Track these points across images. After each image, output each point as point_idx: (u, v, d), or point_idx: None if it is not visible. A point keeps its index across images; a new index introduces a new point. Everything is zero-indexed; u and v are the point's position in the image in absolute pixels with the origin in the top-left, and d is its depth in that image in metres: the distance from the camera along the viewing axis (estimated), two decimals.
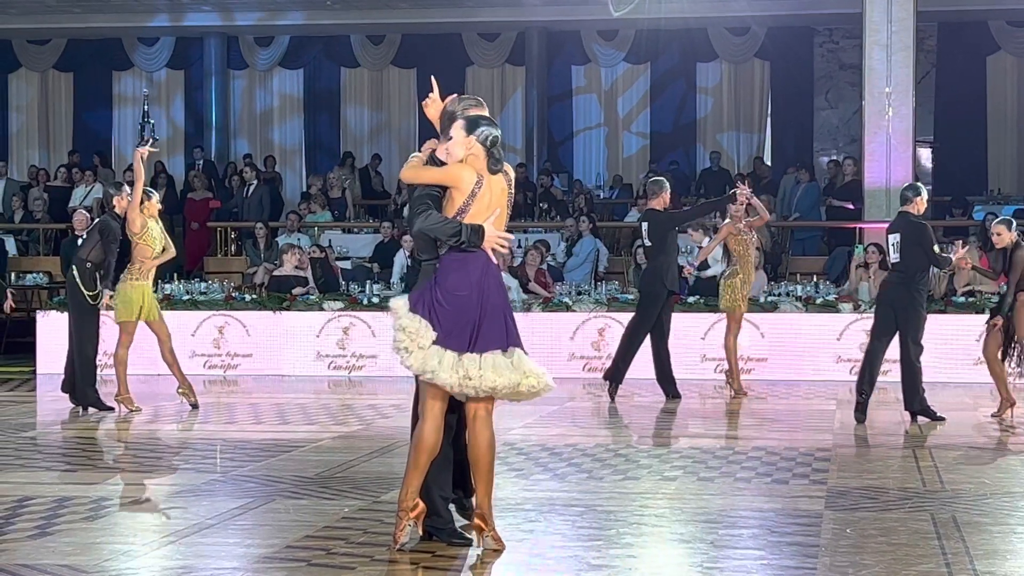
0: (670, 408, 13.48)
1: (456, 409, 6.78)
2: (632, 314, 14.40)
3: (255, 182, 23.37)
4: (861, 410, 12.09)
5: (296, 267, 17.74)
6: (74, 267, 12.92)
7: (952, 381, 14.98)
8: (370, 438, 11.17)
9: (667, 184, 14.07)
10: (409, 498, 6.66)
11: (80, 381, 12.97)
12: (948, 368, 15.30)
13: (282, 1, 25.52)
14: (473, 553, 6.65)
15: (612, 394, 13.87)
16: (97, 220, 13.13)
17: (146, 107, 18.87)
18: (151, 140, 18.74)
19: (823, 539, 7.01)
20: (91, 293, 12.87)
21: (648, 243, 13.85)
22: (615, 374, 13.94)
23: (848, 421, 12.30)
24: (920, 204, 12.25)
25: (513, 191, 6.83)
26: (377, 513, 7.65)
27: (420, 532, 6.81)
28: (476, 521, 6.67)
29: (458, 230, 6.52)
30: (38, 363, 16.67)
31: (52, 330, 16.40)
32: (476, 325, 6.52)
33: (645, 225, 13.91)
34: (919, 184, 12.79)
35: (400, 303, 6.62)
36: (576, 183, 25.56)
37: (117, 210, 12.98)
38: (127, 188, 13.26)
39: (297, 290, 17.34)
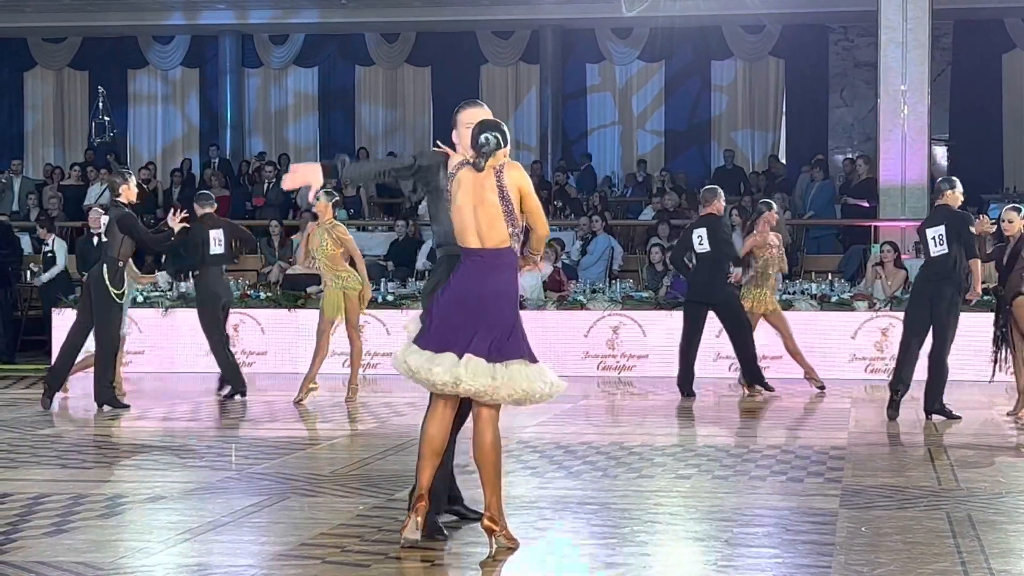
0: (685, 406, 13.47)
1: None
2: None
3: (272, 180, 23.42)
4: (894, 407, 12.05)
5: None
6: (105, 266, 12.78)
7: (967, 380, 14.93)
8: (384, 436, 11.18)
9: (721, 192, 14.42)
10: (416, 493, 6.70)
11: (99, 378, 12.98)
12: (964, 366, 15.25)
13: None
14: (486, 551, 6.64)
15: (767, 389, 14.25)
16: (113, 216, 12.91)
17: (100, 104, 18.75)
18: (104, 139, 18.70)
19: (838, 537, 6.99)
20: (118, 292, 12.80)
21: (706, 249, 14.03)
22: (752, 376, 14.20)
23: (863, 419, 12.29)
24: (954, 197, 12.17)
25: (500, 187, 6.68)
26: (391, 511, 7.64)
27: (420, 527, 6.76)
28: (486, 523, 6.67)
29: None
30: (53, 361, 16.65)
31: (67, 328, 16.39)
32: (469, 331, 6.53)
33: (703, 231, 14.05)
34: (954, 178, 12.66)
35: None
36: (606, 179, 25.57)
37: (123, 199, 12.84)
38: (134, 178, 13.20)
39: (312, 288, 17.36)
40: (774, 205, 14.92)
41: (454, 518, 7.32)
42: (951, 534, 7.09)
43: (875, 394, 14.35)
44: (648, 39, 26.28)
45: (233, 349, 14.50)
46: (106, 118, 19.06)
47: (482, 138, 6.63)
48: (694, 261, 14.31)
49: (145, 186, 24.37)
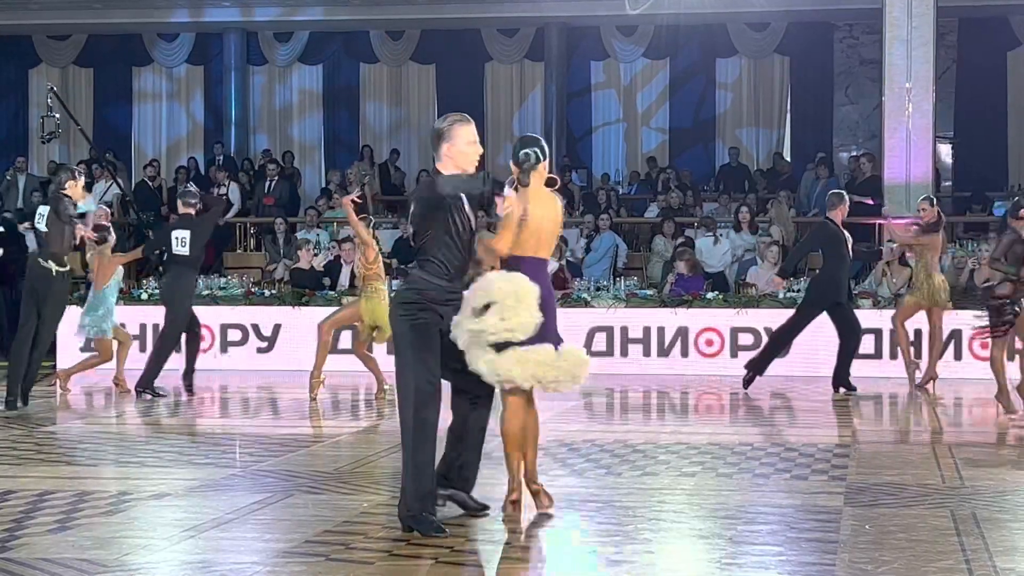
0: (689, 404, 13.47)
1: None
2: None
3: (275, 177, 23.44)
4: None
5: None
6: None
7: (974, 377, 14.94)
8: (389, 433, 11.17)
9: (846, 196, 14.88)
10: (516, 488, 7.37)
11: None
12: (969, 364, 15.24)
13: None
14: (491, 548, 6.65)
15: (747, 382, 14.28)
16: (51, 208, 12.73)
17: (50, 100, 18.51)
18: (53, 135, 18.57)
19: (842, 535, 6.99)
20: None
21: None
22: (760, 366, 14.34)
23: (868, 417, 12.29)
24: None
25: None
26: (395, 508, 7.64)
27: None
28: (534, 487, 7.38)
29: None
30: (58, 358, 16.67)
31: (73, 325, 16.38)
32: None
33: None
34: (1021, 199, 12.70)
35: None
36: (603, 176, 25.59)
37: (68, 192, 12.72)
38: (83, 177, 13.10)
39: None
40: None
41: (457, 514, 7.33)
42: (955, 532, 7.09)
43: (876, 390, 14.36)
44: (653, 36, 26.26)
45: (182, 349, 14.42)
46: (56, 114, 18.67)
47: (522, 154, 7.09)
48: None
49: (150, 183, 24.48)
